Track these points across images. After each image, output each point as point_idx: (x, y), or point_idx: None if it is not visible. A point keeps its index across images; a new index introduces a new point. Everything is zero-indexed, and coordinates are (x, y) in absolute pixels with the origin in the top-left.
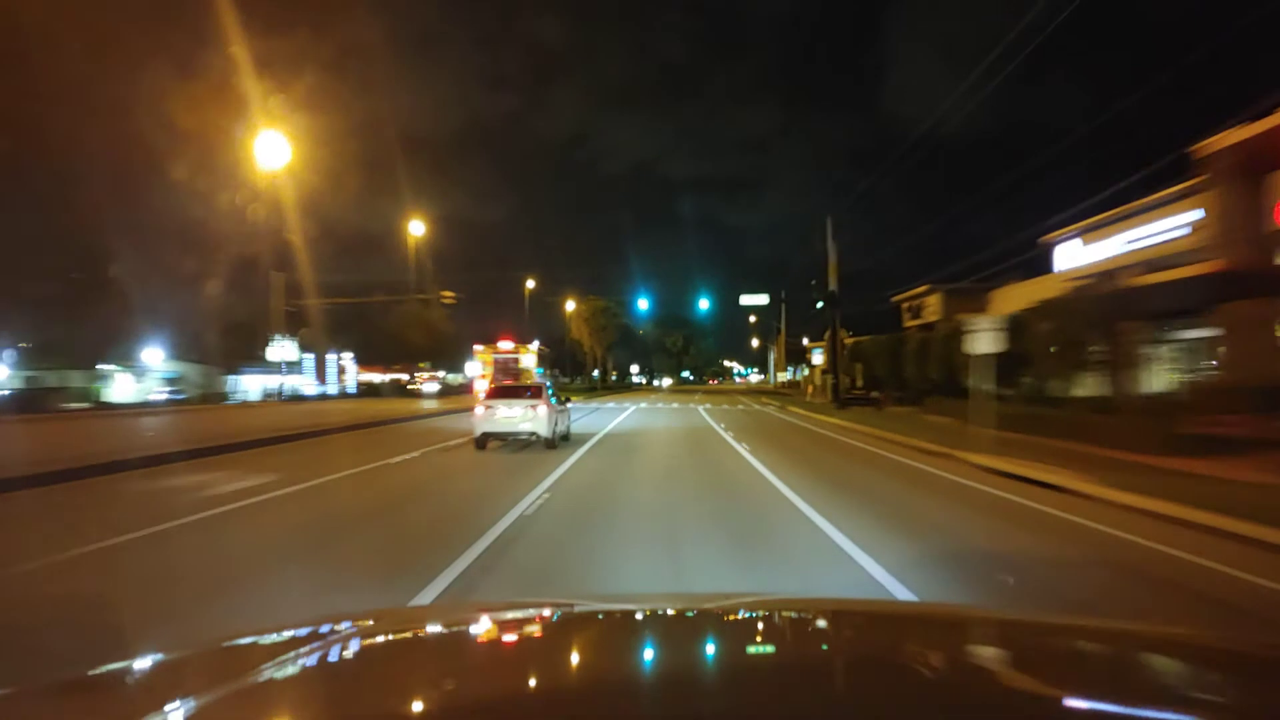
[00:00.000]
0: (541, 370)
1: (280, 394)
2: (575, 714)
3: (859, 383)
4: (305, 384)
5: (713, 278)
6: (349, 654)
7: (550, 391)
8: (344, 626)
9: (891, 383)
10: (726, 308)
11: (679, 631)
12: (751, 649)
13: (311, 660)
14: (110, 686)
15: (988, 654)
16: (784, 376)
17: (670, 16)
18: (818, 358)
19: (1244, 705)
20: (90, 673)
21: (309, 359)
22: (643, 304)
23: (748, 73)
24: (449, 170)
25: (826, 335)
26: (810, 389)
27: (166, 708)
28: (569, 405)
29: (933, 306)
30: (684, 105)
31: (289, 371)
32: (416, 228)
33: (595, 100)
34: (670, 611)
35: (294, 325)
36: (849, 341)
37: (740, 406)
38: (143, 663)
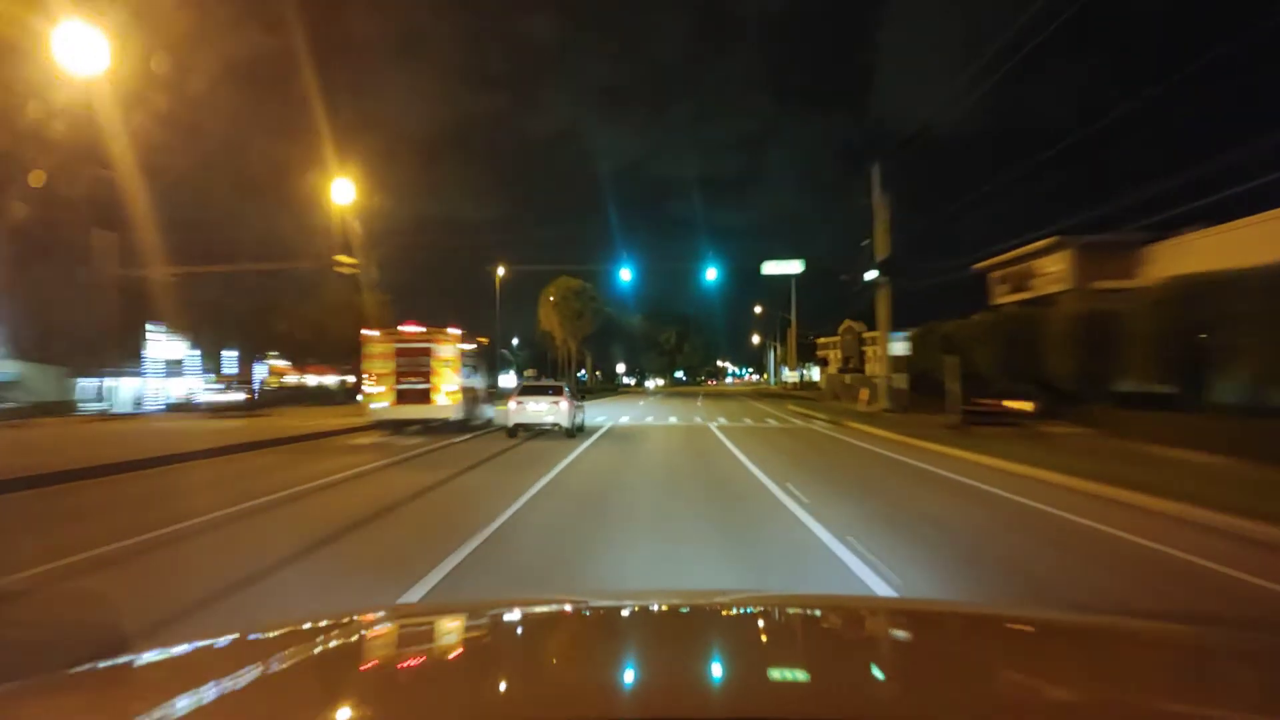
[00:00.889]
0: (470, 370)
1: (104, 403)
2: (573, 711)
3: (950, 385)
4: (211, 389)
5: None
6: (346, 652)
7: (569, 391)
8: (342, 623)
9: (1001, 382)
10: (722, 302)
11: (679, 628)
12: (751, 645)
13: (308, 657)
14: (105, 685)
15: (987, 650)
16: (792, 376)
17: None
18: (898, 346)
19: (1242, 701)
20: (80, 670)
21: (204, 359)
22: (625, 275)
23: (741, 70)
24: (433, 167)
25: (841, 331)
26: (865, 394)
27: (162, 706)
28: (585, 402)
29: (1057, 271)
30: (676, 102)
31: (169, 373)
32: (341, 192)
33: (586, 97)
34: (669, 608)
35: (182, 315)
36: (915, 334)
37: (772, 422)
38: (134, 661)
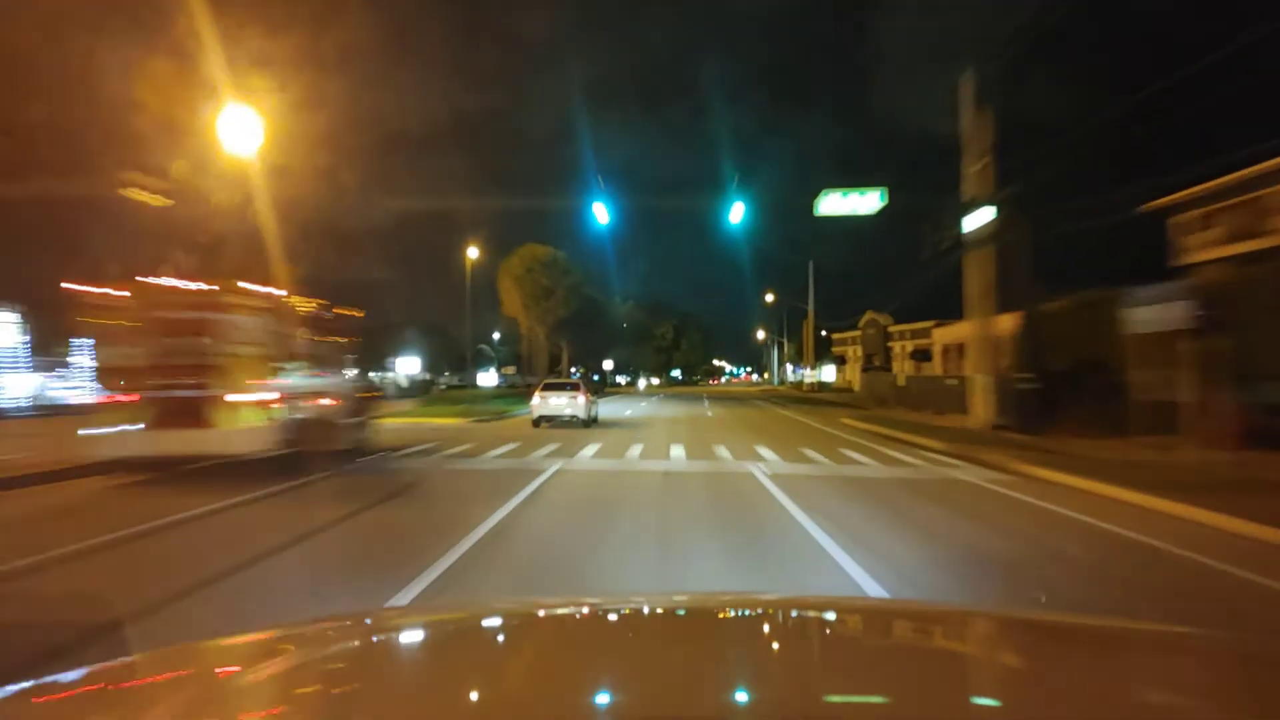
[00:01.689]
0: (312, 363)
1: None
2: (569, 714)
3: (1220, 392)
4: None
5: (704, 275)
6: (345, 654)
7: (585, 387)
8: (338, 626)
9: None
10: (716, 303)
11: (677, 630)
12: (749, 648)
13: (307, 660)
14: (105, 686)
15: (990, 653)
16: (810, 375)
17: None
18: (1163, 313)
19: (1243, 704)
20: (81, 672)
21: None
22: (599, 213)
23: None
24: (426, 165)
25: (862, 324)
26: (978, 399)
27: (163, 708)
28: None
29: None
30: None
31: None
32: (238, 125)
33: (581, 93)
34: (666, 610)
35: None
36: (1029, 314)
37: (865, 461)
38: (134, 663)
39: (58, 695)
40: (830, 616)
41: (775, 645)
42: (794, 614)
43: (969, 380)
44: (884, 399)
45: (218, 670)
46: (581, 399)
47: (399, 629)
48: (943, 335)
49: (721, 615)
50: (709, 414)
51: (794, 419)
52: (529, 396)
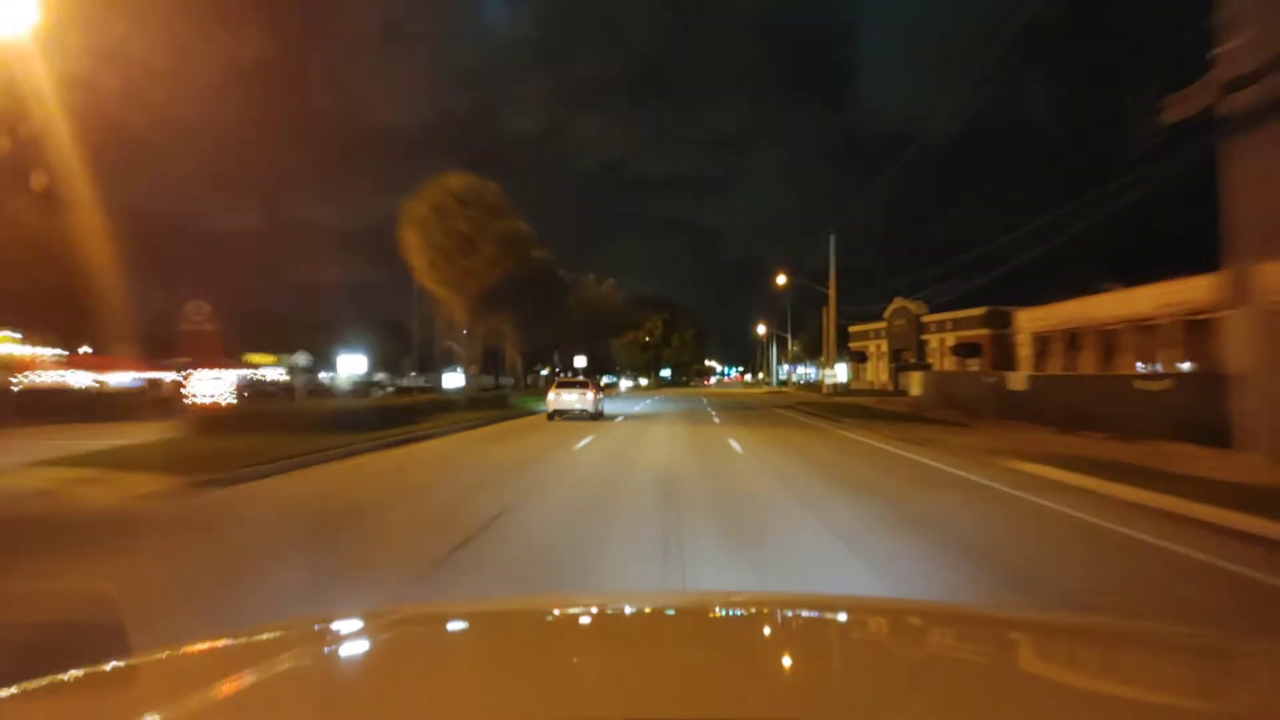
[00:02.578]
0: None
1: None
2: (568, 713)
3: None
4: None
5: (693, 271)
6: (345, 654)
7: (594, 385)
8: (340, 625)
9: None
10: (703, 298)
11: (679, 630)
12: (752, 648)
13: (307, 660)
14: (105, 686)
15: (990, 652)
16: (829, 373)
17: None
18: None
19: (1241, 702)
20: (80, 672)
21: None
22: None
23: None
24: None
25: (889, 314)
26: None
27: (163, 708)
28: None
29: None
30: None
31: None
32: None
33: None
34: (655, 610)
35: None
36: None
37: None
38: (136, 663)
39: (56, 697)
40: (838, 617)
41: (768, 646)
42: (795, 614)
43: (1253, 380)
44: (975, 409)
45: (214, 670)
46: (591, 395)
47: (396, 627)
48: (1035, 320)
49: (726, 615)
50: (735, 445)
51: (894, 454)
52: (443, 411)
